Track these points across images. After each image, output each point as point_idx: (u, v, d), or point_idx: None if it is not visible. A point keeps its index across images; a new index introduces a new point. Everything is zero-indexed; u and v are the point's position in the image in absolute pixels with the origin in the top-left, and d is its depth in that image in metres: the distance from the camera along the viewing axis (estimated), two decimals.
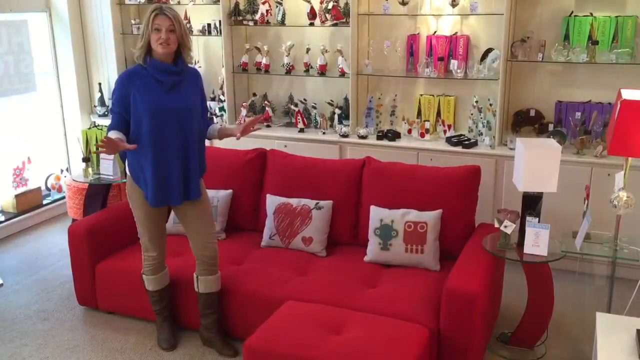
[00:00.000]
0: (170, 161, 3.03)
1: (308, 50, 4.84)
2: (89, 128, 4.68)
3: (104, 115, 5.48)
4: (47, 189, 5.59)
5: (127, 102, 2.99)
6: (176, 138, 3.02)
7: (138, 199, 3.15)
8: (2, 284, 4.15)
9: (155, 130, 2.98)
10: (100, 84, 5.50)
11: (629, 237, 3.01)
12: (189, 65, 3.12)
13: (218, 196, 3.91)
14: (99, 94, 5.49)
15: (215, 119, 5.08)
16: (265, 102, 5.09)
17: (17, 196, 5.15)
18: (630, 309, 2.93)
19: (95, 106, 5.59)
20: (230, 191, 3.94)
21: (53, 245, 4.86)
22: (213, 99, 5.26)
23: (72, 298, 3.88)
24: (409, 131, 4.62)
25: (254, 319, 3.12)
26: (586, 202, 3.12)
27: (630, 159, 2.87)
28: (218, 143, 4.99)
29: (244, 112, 5.02)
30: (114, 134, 2.95)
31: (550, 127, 4.28)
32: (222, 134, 3.30)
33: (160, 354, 3.32)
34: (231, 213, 3.93)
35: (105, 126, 4.63)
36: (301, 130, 4.84)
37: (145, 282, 3.32)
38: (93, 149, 4.56)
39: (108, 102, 5.48)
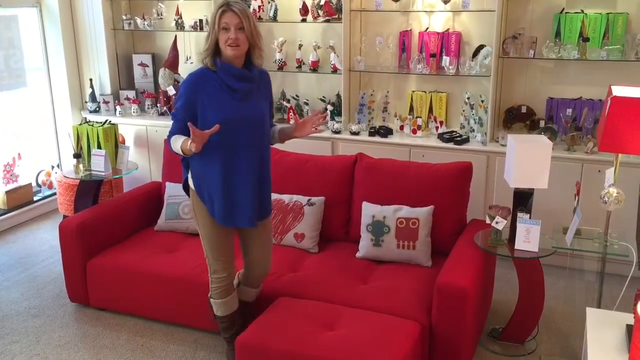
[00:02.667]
0: (242, 178, 2.75)
1: (300, 46, 4.83)
2: (80, 124, 4.65)
3: (94, 111, 5.45)
4: (38, 185, 5.56)
5: (194, 109, 2.69)
6: (249, 153, 2.74)
7: (204, 215, 2.84)
8: None
9: (226, 144, 2.69)
10: (91, 79, 5.47)
11: (619, 233, 3.03)
12: (257, 63, 2.80)
13: None
14: (90, 90, 5.46)
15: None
16: None
17: (7, 192, 5.12)
18: (620, 304, 2.95)
19: (86, 102, 5.56)
20: None
21: (44, 241, 4.84)
22: None
23: (63, 295, 3.86)
24: (401, 127, 4.63)
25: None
26: (577, 198, 3.14)
27: (620, 155, 2.88)
28: None
29: None
30: (179, 138, 2.67)
31: (542, 123, 4.29)
32: (283, 136, 2.96)
33: (152, 351, 3.32)
34: None
35: (97, 122, 4.64)
36: None
37: (213, 307, 2.98)
38: (84, 145, 4.53)
39: (99, 98, 5.45)
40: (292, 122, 2.89)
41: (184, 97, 2.72)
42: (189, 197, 2.97)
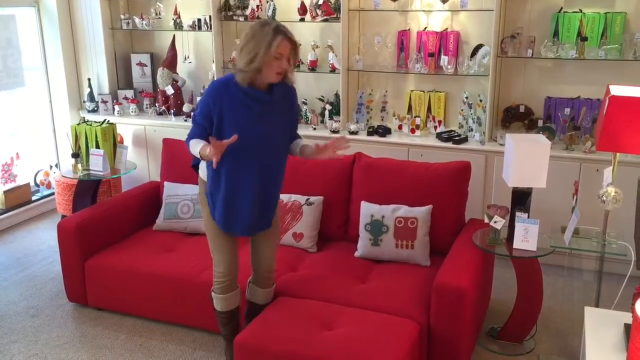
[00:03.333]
0: (245, 194, 2.77)
1: (299, 45, 4.82)
2: (78, 124, 4.65)
3: (93, 111, 5.45)
4: (36, 185, 5.55)
5: (212, 117, 2.69)
6: (256, 170, 2.75)
7: (209, 212, 2.89)
8: None
9: (234, 159, 2.70)
10: (89, 79, 5.46)
11: (617, 232, 3.03)
12: (290, 83, 2.78)
13: None
14: (88, 90, 5.46)
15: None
16: None
17: (5, 192, 5.12)
18: (618, 304, 2.95)
19: (84, 102, 5.56)
20: None
21: (42, 241, 4.84)
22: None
23: (61, 294, 3.86)
24: (400, 127, 4.63)
25: (242, 318, 3.12)
26: (575, 197, 3.14)
27: (618, 154, 2.88)
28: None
29: None
30: (198, 143, 2.67)
31: (540, 123, 4.30)
32: (303, 154, 2.91)
33: (151, 351, 3.32)
34: None
35: (96, 122, 4.63)
36: None
37: (213, 301, 3.01)
38: (83, 144, 4.53)
39: (97, 98, 5.45)
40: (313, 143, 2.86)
41: (205, 103, 2.72)
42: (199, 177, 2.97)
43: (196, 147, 2.68)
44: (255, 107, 2.68)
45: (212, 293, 3.03)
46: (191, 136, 2.76)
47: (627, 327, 2.35)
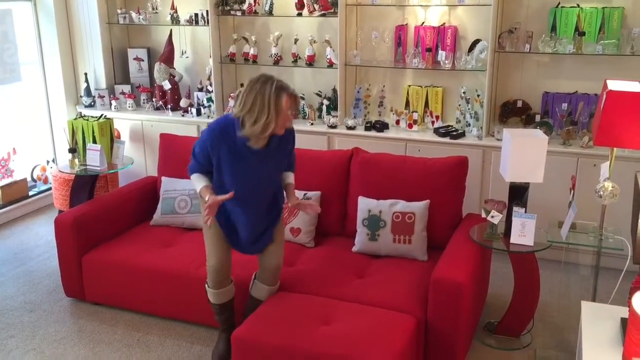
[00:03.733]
0: (242, 227, 2.97)
1: (296, 40, 4.82)
2: (75, 118, 4.64)
3: (90, 106, 5.44)
4: (33, 180, 5.54)
5: (211, 158, 2.84)
6: (253, 208, 2.93)
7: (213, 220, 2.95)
8: None
9: (235, 196, 2.82)
10: (86, 74, 5.45)
11: (614, 227, 3.04)
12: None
13: None
14: (85, 84, 5.44)
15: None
16: None
17: (2, 187, 5.11)
18: (615, 298, 2.96)
19: (81, 96, 5.54)
20: None
21: (39, 236, 4.83)
22: (200, 90, 5.24)
23: (59, 289, 3.86)
24: (397, 122, 4.63)
25: (242, 309, 3.12)
26: (572, 192, 3.14)
27: (615, 149, 2.89)
28: None
29: (231, 102, 5.00)
30: (200, 181, 2.85)
31: (537, 118, 4.30)
32: (285, 189, 3.07)
33: (148, 345, 3.32)
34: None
35: (92, 117, 4.62)
36: None
37: (207, 293, 3.09)
38: (80, 139, 4.52)
39: (94, 93, 5.44)
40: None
41: (204, 147, 2.83)
42: None
43: (197, 184, 2.88)
44: (251, 157, 2.81)
45: (206, 286, 3.09)
46: (193, 169, 2.92)
47: (624, 322, 2.35)
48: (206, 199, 2.78)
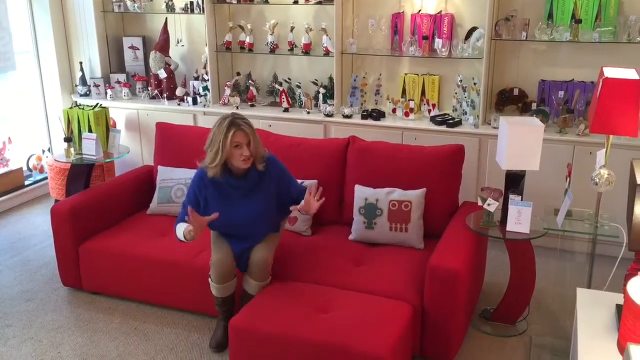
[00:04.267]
0: (233, 248, 3.12)
1: (292, 28, 4.80)
2: (70, 107, 4.62)
3: (85, 95, 5.41)
4: (29, 169, 5.53)
5: (199, 200, 3.06)
6: (242, 240, 3.10)
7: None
8: None
9: (220, 230, 3.14)
10: (81, 62, 5.42)
11: (610, 214, 3.05)
12: (261, 167, 3.05)
13: None
14: (80, 73, 5.42)
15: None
16: (249, 81, 5.06)
17: None
18: (610, 285, 2.98)
19: (76, 85, 5.52)
20: None
21: (35, 226, 4.82)
22: (196, 78, 5.22)
23: (55, 279, 3.86)
24: (394, 110, 4.62)
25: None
26: (568, 179, 3.15)
27: (611, 136, 2.89)
28: (201, 122, 4.98)
29: (227, 91, 4.99)
30: (181, 226, 2.99)
31: (534, 106, 4.30)
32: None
33: (146, 334, 3.33)
34: None
35: (88, 106, 4.60)
36: (285, 110, 4.82)
37: (210, 286, 3.12)
38: (75, 128, 4.51)
39: (89, 82, 5.41)
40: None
41: (192, 191, 3.07)
42: None
43: (180, 229, 3.00)
44: (235, 193, 3.03)
45: (209, 279, 3.11)
46: (178, 220, 3.09)
47: (619, 308, 2.37)
48: (190, 227, 2.91)
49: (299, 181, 3.64)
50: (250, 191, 3.05)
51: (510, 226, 3.07)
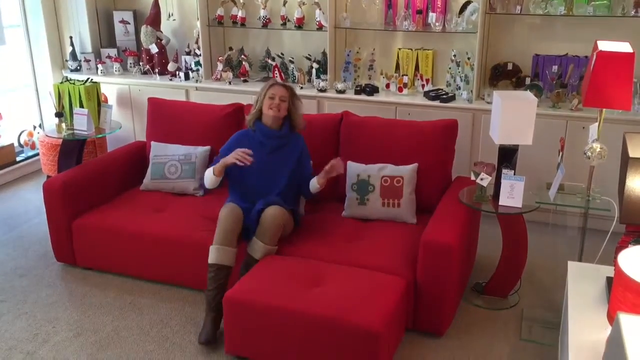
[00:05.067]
0: (247, 207, 3.26)
1: (285, 2, 4.75)
2: (61, 82, 4.57)
3: (76, 70, 5.36)
4: (20, 145, 5.49)
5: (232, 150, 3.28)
6: (257, 195, 3.29)
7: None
8: None
9: (242, 185, 3.36)
10: (71, 37, 5.35)
11: (602, 188, 3.07)
12: (297, 131, 3.44)
13: (196, 152, 3.88)
14: (71, 48, 5.35)
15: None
16: (242, 56, 5.01)
17: None
18: (601, 258, 3.00)
19: (66, 60, 5.46)
20: (208, 147, 3.91)
21: (28, 202, 4.81)
22: (188, 53, 5.17)
23: (49, 255, 3.86)
24: (387, 86, 4.60)
25: (234, 275, 3.14)
26: (560, 154, 3.16)
27: (604, 110, 2.89)
28: (194, 97, 4.95)
29: (220, 66, 4.94)
30: (210, 168, 3.34)
31: (527, 80, 4.29)
32: (313, 186, 3.38)
33: (140, 308, 3.34)
34: None
35: (79, 80, 4.56)
36: None
37: (209, 255, 3.08)
38: (66, 104, 4.47)
39: (80, 56, 5.35)
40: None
41: (229, 145, 3.40)
42: None
43: (209, 170, 3.34)
44: (267, 142, 3.35)
45: (210, 248, 3.11)
46: (209, 166, 3.38)
47: (609, 280, 2.39)
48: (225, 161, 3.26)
49: None
50: (278, 149, 3.36)
51: (503, 200, 3.09)
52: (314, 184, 3.35)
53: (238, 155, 3.20)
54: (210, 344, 2.97)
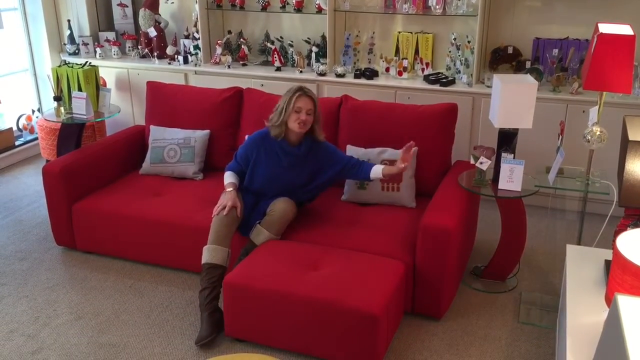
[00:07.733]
0: (256, 200, 3.27)
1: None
2: (59, 66, 4.55)
3: (74, 54, 5.33)
4: (19, 129, 5.48)
5: (249, 159, 3.25)
6: (268, 197, 3.25)
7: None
8: None
9: (261, 192, 3.27)
10: (69, 20, 5.32)
11: (601, 172, 3.07)
12: (319, 140, 3.24)
13: (195, 136, 3.87)
14: (69, 31, 5.32)
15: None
16: (241, 39, 4.99)
17: None
18: (599, 242, 3.02)
19: (64, 44, 5.42)
20: (207, 131, 3.91)
21: (27, 186, 4.81)
22: (187, 37, 5.13)
23: (49, 238, 3.86)
24: (387, 69, 4.58)
25: (232, 260, 3.15)
26: (560, 137, 3.15)
27: (604, 94, 2.88)
28: (193, 81, 4.93)
29: (219, 50, 4.92)
30: (230, 177, 3.26)
31: (528, 64, 4.27)
32: (386, 174, 3.20)
33: (140, 292, 3.35)
34: (208, 153, 3.91)
35: (77, 64, 4.54)
36: (278, 69, 4.77)
37: (202, 255, 3.05)
38: (65, 87, 4.45)
39: (78, 40, 5.32)
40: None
41: (245, 148, 3.28)
42: None
43: (228, 179, 3.27)
44: (284, 160, 3.20)
45: (203, 249, 3.06)
46: (230, 168, 3.32)
47: (607, 264, 2.40)
48: (228, 189, 3.19)
49: None
50: (297, 163, 3.21)
51: (502, 184, 3.09)
52: (377, 172, 3.20)
53: (228, 207, 3.08)
54: (207, 346, 2.88)
